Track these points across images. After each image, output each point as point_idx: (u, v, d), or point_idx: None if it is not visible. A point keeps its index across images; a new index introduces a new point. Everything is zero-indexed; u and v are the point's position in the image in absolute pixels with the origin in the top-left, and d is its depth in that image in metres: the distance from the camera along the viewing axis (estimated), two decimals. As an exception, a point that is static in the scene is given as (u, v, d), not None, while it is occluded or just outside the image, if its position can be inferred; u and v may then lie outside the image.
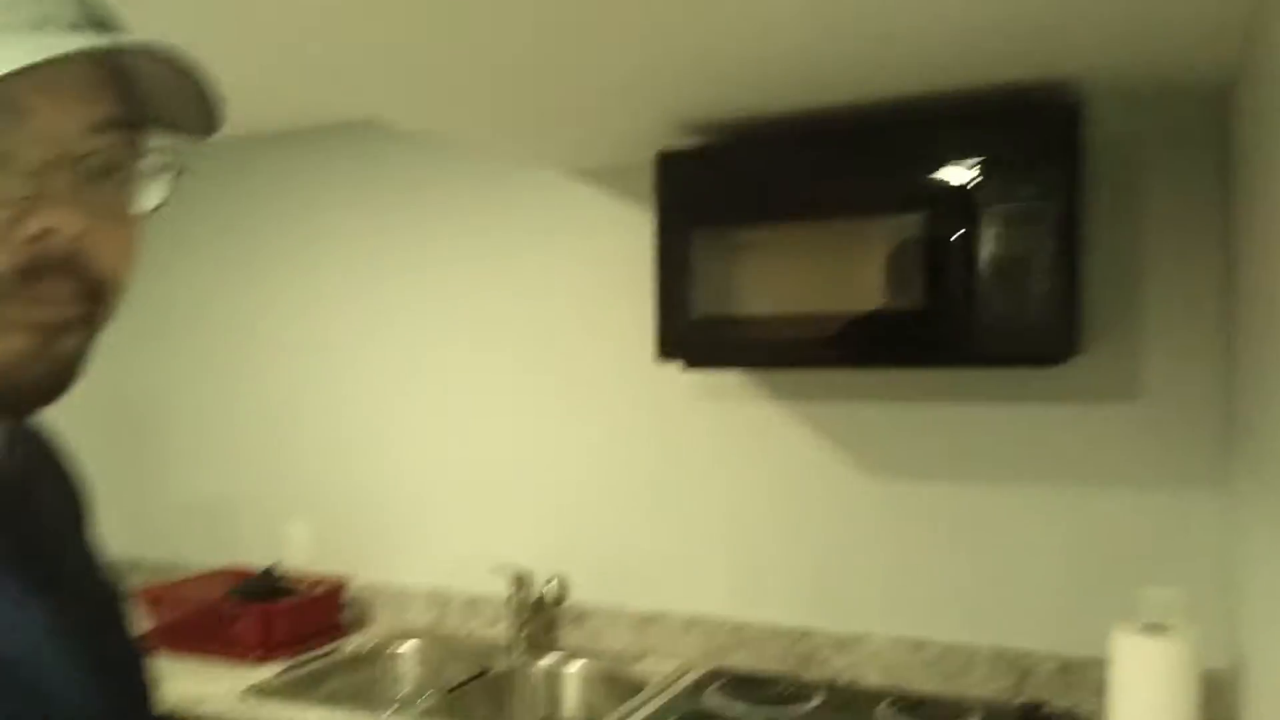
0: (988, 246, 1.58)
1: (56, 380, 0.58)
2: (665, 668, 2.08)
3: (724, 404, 2.14)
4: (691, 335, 1.86)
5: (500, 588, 2.28)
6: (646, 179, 2.08)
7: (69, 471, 0.79)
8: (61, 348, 0.57)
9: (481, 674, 2.12)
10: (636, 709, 1.84)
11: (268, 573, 2.42)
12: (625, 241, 2.21)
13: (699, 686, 1.94)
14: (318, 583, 2.44)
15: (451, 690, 2.03)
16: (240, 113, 2.47)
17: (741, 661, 2.09)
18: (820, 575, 2.05)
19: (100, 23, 0.56)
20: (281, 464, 2.63)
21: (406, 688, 2.26)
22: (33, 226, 0.53)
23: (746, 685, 1.93)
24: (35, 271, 0.53)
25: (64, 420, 2.58)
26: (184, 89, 0.58)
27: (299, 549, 2.58)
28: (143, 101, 0.58)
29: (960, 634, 1.93)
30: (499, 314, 2.37)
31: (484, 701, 2.09)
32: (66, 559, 0.69)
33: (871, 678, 1.98)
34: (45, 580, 0.62)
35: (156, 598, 2.35)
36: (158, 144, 0.61)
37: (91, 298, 0.57)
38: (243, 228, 2.70)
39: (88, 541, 0.75)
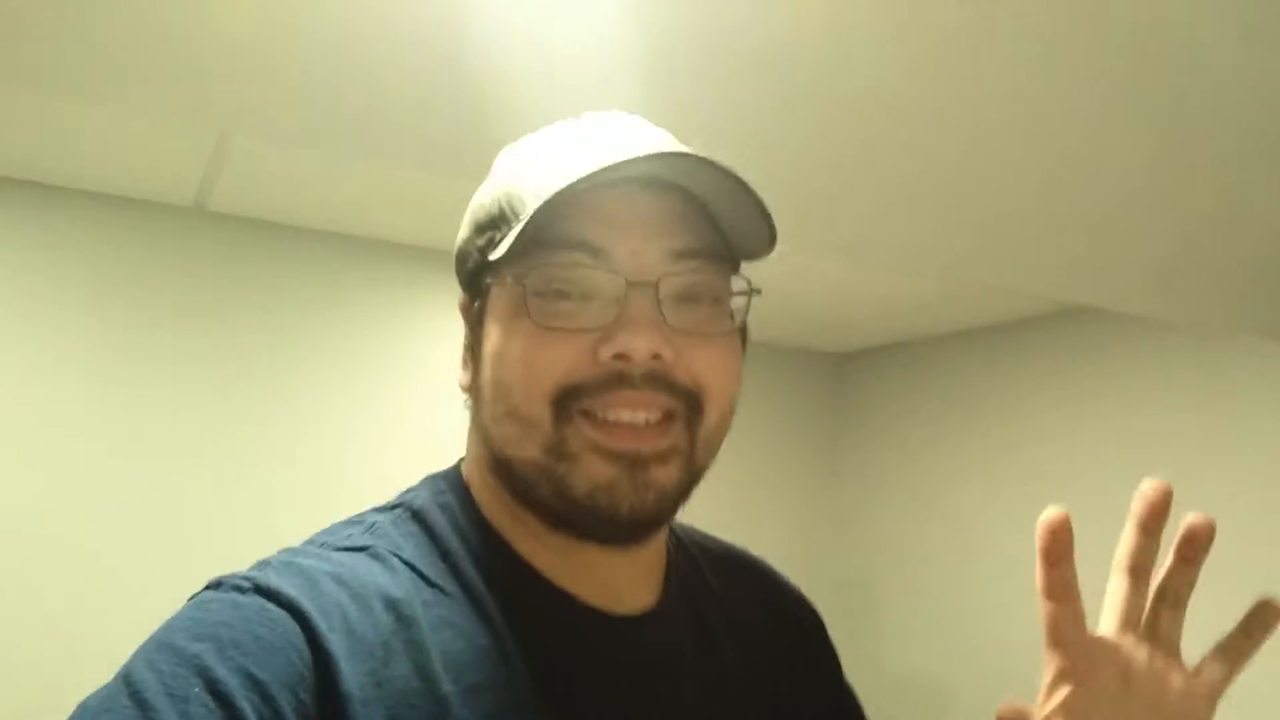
0: None
1: (645, 509, 0.58)
2: None
3: None
4: None
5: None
6: None
7: (794, 608, 0.78)
8: (652, 477, 0.57)
9: None
10: None
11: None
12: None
13: None
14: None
15: None
16: (939, 310, 2.71)
17: None
18: None
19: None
20: (995, 644, 2.64)
21: None
22: (612, 349, 0.56)
23: None
24: (616, 383, 0.56)
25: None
26: (745, 214, 0.59)
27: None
28: (724, 234, 0.61)
29: None
30: (1223, 503, 2.15)
31: None
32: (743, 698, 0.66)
33: None
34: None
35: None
36: (739, 273, 0.63)
37: (685, 404, 0.58)
38: (950, 416, 2.88)
39: (809, 687, 0.72)
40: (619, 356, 0.56)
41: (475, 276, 0.63)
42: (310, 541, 0.60)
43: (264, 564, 0.56)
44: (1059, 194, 1.34)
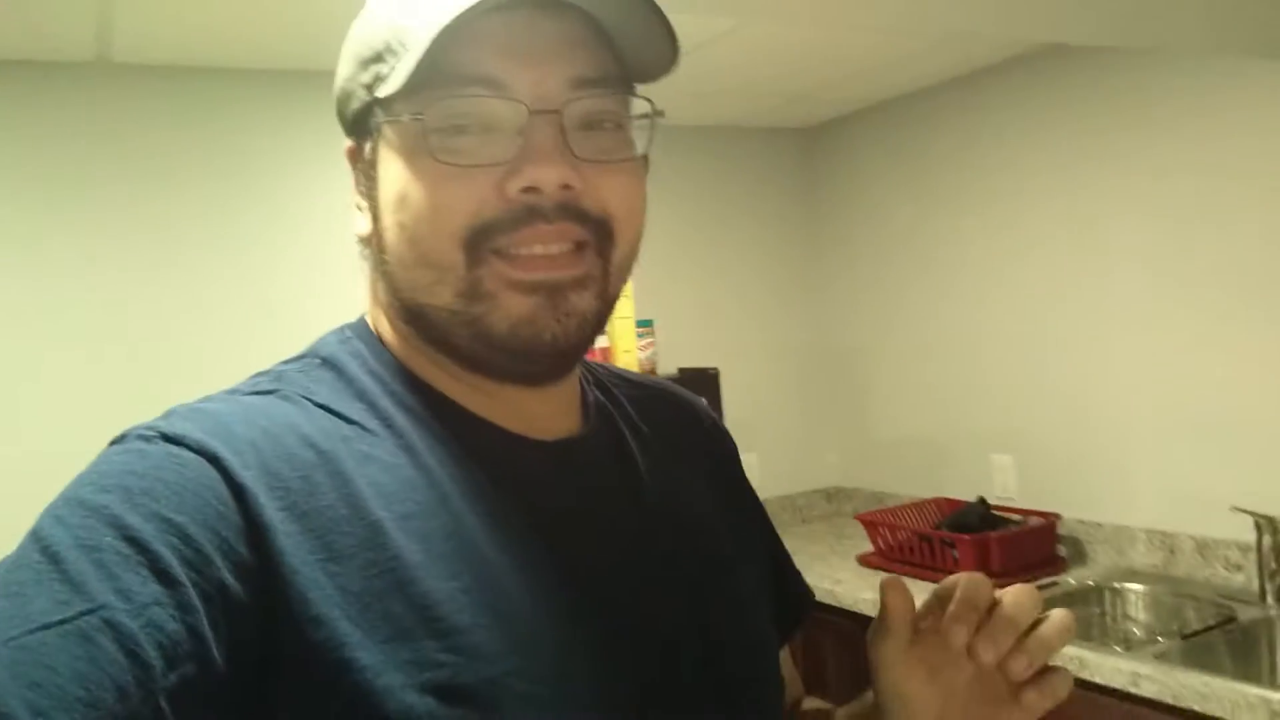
0: None
1: (567, 338, 0.57)
2: None
3: None
4: None
5: (1239, 532, 2.06)
6: None
7: (710, 434, 0.78)
8: (572, 305, 0.57)
9: (1225, 622, 1.94)
10: None
11: (980, 504, 2.50)
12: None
13: None
14: (1029, 516, 2.44)
15: (1189, 636, 1.90)
16: (909, 66, 2.57)
17: None
18: None
19: None
20: (982, 398, 2.69)
21: (1136, 629, 2.17)
22: (520, 182, 0.54)
23: None
24: (528, 218, 0.55)
25: (781, 368, 2.94)
26: (649, 33, 0.57)
27: (1005, 483, 2.61)
28: (623, 57, 0.59)
29: None
30: (1219, 229, 2.11)
31: (1229, 653, 1.91)
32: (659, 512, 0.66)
33: None
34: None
35: (872, 523, 2.59)
36: (641, 95, 0.60)
37: (596, 234, 0.57)
38: (927, 176, 2.80)
39: (719, 493, 0.73)
40: (528, 189, 0.54)
41: (362, 116, 0.59)
42: (215, 392, 0.58)
43: (169, 413, 0.54)
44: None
